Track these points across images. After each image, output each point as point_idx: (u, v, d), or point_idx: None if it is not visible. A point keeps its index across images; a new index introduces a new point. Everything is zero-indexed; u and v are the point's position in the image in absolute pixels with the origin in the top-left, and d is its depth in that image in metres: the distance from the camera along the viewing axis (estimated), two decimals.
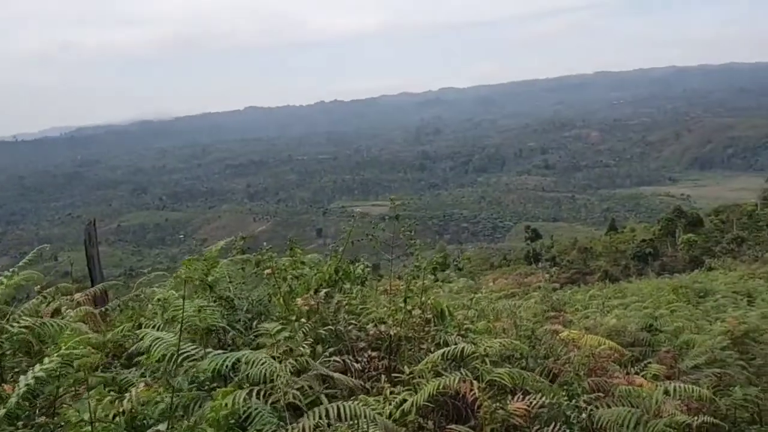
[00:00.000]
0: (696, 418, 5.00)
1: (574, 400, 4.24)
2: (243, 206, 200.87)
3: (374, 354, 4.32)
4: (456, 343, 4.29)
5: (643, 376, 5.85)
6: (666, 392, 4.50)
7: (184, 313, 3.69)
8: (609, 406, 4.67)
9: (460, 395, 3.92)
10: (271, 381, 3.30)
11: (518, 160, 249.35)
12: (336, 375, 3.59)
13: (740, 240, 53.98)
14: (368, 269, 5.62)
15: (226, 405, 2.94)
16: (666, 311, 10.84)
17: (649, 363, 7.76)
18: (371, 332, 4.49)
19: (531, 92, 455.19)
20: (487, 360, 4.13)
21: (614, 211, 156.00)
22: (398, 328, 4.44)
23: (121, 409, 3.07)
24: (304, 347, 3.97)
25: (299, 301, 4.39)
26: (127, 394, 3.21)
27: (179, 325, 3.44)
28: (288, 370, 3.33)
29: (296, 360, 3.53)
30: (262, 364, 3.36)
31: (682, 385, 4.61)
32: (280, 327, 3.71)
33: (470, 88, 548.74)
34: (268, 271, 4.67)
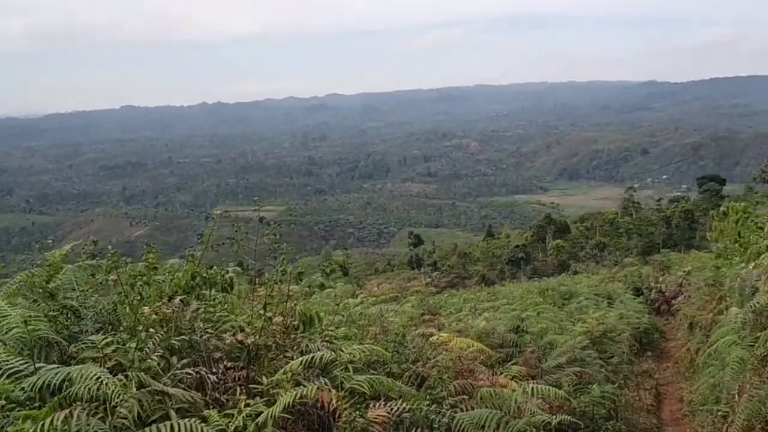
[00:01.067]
0: (555, 416, 5.18)
1: (436, 405, 4.23)
2: (118, 210, 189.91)
3: (231, 365, 4.07)
4: (319, 350, 4.15)
5: (506, 376, 6.01)
6: (525, 392, 4.60)
7: (12, 325, 3.28)
8: (472, 408, 4.73)
9: (320, 404, 3.78)
10: (104, 399, 2.99)
11: (402, 168, 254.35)
12: (172, 390, 3.32)
13: (602, 246, 57.83)
14: (232, 275, 5.31)
15: (37, 429, 2.60)
16: (533, 313, 11.32)
17: (514, 363, 8.05)
18: (228, 341, 4.23)
19: (415, 102, 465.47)
20: (350, 367, 4.03)
21: (491, 217, 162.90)
22: (257, 337, 4.23)
23: None
24: (153, 359, 3.67)
25: (146, 309, 4.07)
26: None
27: None
28: (120, 385, 3.04)
29: (135, 374, 3.24)
30: (96, 379, 3.04)
31: (541, 385, 4.74)
32: (109, 338, 3.39)
33: (356, 96, 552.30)
34: (113, 277, 4.30)
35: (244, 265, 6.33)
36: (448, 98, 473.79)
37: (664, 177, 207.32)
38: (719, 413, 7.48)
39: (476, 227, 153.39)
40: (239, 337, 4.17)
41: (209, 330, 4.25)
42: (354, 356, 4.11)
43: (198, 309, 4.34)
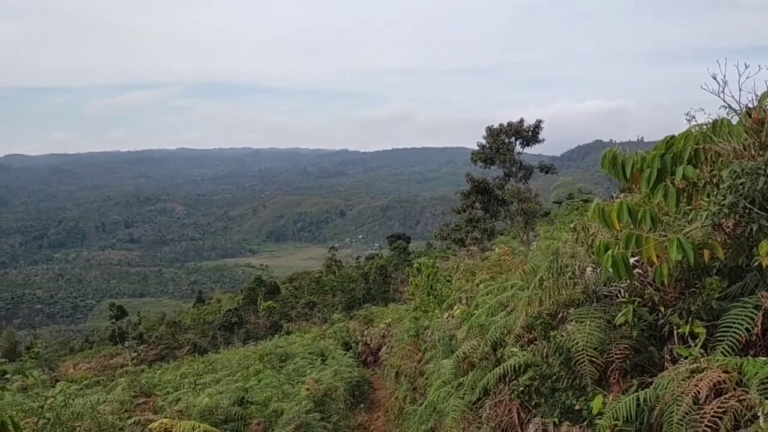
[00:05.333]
0: None
1: None
2: None
3: None
4: None
5: None
6: None
7: None
8: None
9: None
10: None
11: (101, 235, 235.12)
12: None
13: (312, 304, 60.17)
14: None
15: None
16: (255, 381, 11.14)
17: None
18: None
19: (111, 164, 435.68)
20: None
21: (201, 283, 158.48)
22: None
23: None
24: None
25: None
26: None
27: None
28: None
29: None
30: None
31: None
32: None
33: (43, 156, 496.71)
34: None
35: None
36: (149, 161, 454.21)
37: (360, 236, 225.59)
38: None
39: (185, 293, 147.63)
40: None
41: None
42: None
43: None
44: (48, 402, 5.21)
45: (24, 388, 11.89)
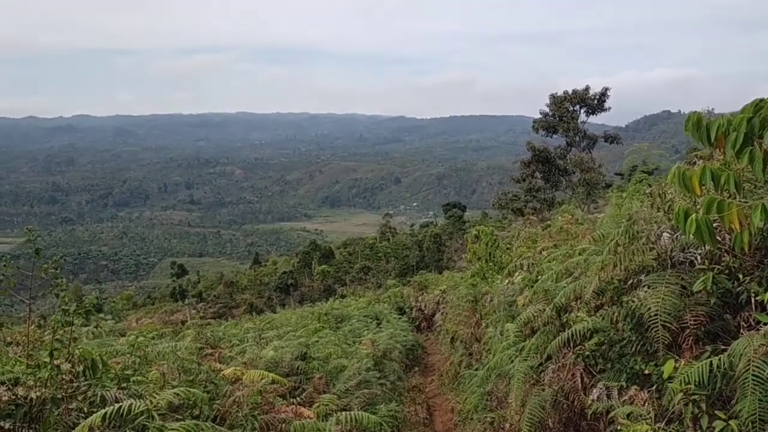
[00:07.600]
0: None
1: None
2: None
3: (7, 425, 3.44)
4: (117, 399, 3.70)
5: (303, 406, 5.97)
6: (339, 421, 4.62)
7: None
8: None
9: None
10: None
11: (163, 195, 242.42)
12: None
13: (367, 269, 60.73)
14: None
15: None
16: (315, 339, 11.45)
17: (305, 389, 8.06)
18: (4, 398, 3.57)
19: (174, 126, 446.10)
20: (155, 414, 3.65)
21: (257, 245, 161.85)
22: (43, 389, 3.65)
23: None
24: None
25: None
26: None
27: None
28: None
29: None
30: None
31: (351, 413, 4.79)
32: None
33: (108, 118, 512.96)
34: None
35: None
36: (209, 124, 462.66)
37: (415, 204, 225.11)
38: (487, 420, 8.26)
39: (242, 255, 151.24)
40: (20, 391, 3.54)
41: None
42: (163, 401, 3.72)
43: None
44: (137, 341, 5.55)
45: (95, 337, 12.54)
